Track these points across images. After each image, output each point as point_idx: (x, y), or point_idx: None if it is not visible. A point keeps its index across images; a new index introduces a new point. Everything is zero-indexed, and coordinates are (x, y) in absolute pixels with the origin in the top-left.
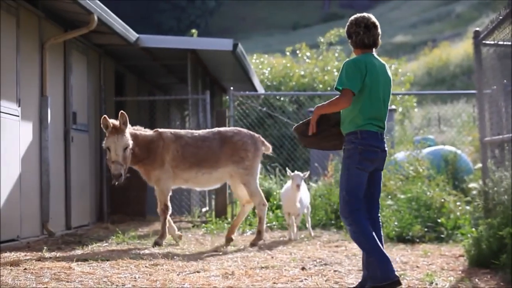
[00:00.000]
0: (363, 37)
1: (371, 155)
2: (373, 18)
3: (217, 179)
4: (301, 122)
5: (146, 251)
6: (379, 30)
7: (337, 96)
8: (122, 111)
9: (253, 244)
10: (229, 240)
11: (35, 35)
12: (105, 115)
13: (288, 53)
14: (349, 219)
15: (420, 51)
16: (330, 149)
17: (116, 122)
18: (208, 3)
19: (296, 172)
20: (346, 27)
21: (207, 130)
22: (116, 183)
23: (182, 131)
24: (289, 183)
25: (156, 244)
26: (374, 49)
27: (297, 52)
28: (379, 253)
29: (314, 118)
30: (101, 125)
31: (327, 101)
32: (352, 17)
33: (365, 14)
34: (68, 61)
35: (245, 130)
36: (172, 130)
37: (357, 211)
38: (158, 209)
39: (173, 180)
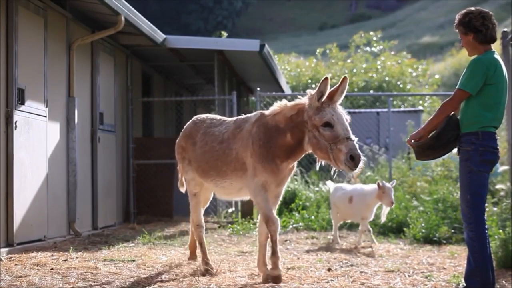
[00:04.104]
0: (492, 31)
1: (491, 156)
2: None
3: None
4: (429, 136)
5: (172, 252)
6: None
7: (449, 98)
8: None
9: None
10: None
11: (62, 36)
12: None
13: (317, 55)
14: (473, 224)
15: (447, 52)
16: (444, 155)
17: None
18: (235, 3)
19: (387, 184)
20: (468, 18)
21: None
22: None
23: None
24: (342, 187)
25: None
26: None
27: (327, 51)
28: (485, 268)
29: (437, 125)
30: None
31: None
32: (473, 10)
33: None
34: (95, 62)
35: None
36: None
37: (482, 215)
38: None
39: None
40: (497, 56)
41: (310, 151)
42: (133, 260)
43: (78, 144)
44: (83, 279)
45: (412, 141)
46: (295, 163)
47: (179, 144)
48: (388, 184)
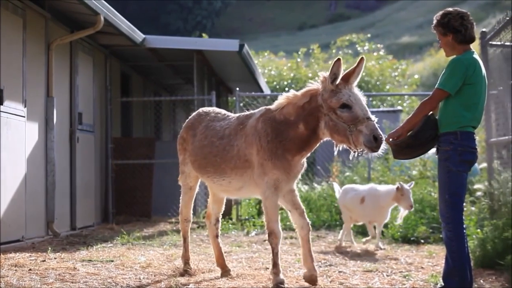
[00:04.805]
0: (471, 31)
1: (470, 156)
2: None
3: None
4: (407, 135)
5: (151, 252)
6: None
7: (428, 97)
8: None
9: None
10: None
11: (41, 36)
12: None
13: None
14: (451, 224)
15: (426, 51)
16: (421, 154)
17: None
18: (214, 3)
19: (406, 186)
20: (447, 19)
21: None
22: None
23: None
24: (352, 188)
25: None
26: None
27: (310, 51)
28: (463, 268)
29: (415, 124)
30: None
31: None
32: (451, 10)
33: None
34: (74, 62)
35: None
36: None
37: (460, 215)
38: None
39: None
40: (476, 56)
41: (326, 138)
42: (112, 261)
43: (56, 144)
44: (61, 279)
45: (390, 139)
46: (305, 160)
47: (181, 135)
48: (406, 186)
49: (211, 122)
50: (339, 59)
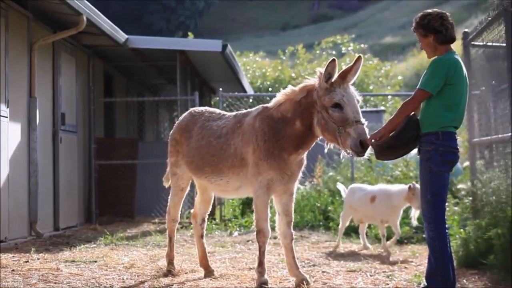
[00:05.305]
0: (452, 31)
1: (451, 156)
2: None
3: None
4: (389, 136)
5: (134, 252)
6: None
7: (410, 98)
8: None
9: None
10: None
11: (23, 36)
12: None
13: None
14: (433, 224)
15: (409, 52)
16: (404, 155)
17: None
18: (197, 3)
19: (418, 186)
20: (427, 20)
21: None
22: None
23: None
24: (360, 188)
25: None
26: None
27: (294, 52)
28: (446, 267)
29: (397, 125)
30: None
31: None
32: (430, 11)
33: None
34: (56, 62)
35: None
36: None
37: (442, 215)
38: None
39: None
40: (457, 56)
41: (321, 136)
42: (95, 261)
43: (39, 144)
44: (44, 280)
45: (373, 140)
46: (305, 158)
47: (173, 136)
48: (418, 186)
49: (207, 122)
50: (334, 59)
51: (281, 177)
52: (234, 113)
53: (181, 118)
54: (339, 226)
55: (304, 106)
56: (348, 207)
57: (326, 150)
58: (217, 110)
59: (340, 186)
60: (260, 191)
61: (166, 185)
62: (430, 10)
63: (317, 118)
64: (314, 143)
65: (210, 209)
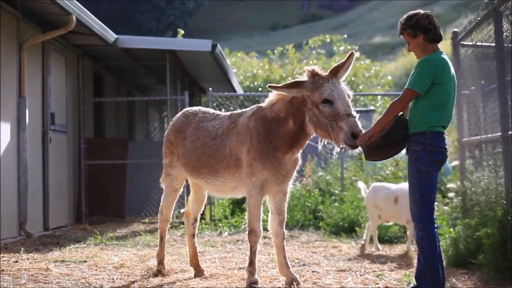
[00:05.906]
0: (439, 30)
1: (439, 156)
2: None
3: None
4: (378, 136)
5: (124, 252)
6: None
7: (398, 98)
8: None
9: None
10: None
11: (13, 36)
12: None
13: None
14: (422, 223)
15: (398, 51)
16: (393, 155)
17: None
18: (187, 4)
19: None
20: (415, 20)
21: None
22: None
23: None
24: (384, 187)
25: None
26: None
27: (284, 51)
28: (435, 267)
29: (386, 125)
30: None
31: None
32: (416, 12)
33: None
34: (46, 62)
35: None
36: None
37: (431, 214)
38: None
39: None
40: (445, 56)
41: (313, 134)
42: (85, 261)
43: (29, 144)
44: (34, 280)
45: (362, 140)
46: (300, 157)
47: (168, 138)
48: None
49: (201, 123)
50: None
51: (276, 177)
52: (229, 113)
53: (174, 119)
54: (367, 224)
55: (296, 105)
56: (371, 205)
57: (320, 147)
58: (211, 110)
59: (360, 185)
60: (253, 191)
61: (164, 186)
62: (415, 11)
63: (308, 116)
64: (307, 142)
65: (202, 208)
